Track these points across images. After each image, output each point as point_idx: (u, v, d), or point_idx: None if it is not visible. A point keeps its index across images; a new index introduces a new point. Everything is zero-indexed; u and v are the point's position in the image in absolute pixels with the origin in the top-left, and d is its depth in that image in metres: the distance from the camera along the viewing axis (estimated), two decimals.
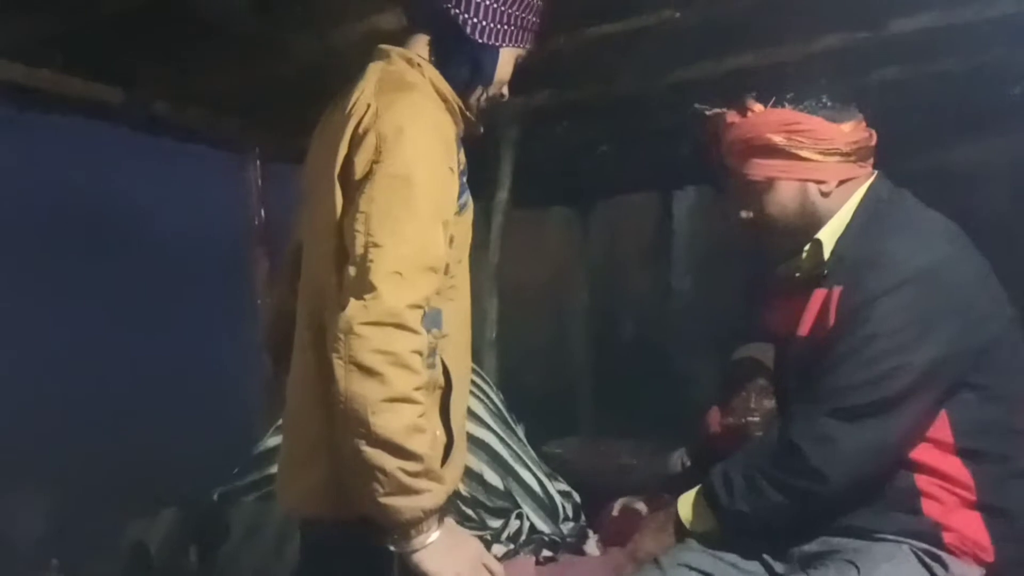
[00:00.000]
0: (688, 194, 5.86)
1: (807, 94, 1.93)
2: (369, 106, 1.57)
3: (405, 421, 1.43)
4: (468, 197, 1.70)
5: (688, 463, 3.05)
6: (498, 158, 4.07)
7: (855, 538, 1.83)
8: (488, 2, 1.71)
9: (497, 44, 1.74)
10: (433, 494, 1.46)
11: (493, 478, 2.50)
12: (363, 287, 1.44)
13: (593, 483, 3.07)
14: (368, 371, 1.41)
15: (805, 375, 1.88)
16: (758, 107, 1.95)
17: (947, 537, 1.77)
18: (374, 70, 1.68)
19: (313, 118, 1.81)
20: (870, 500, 1.82)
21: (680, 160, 3.99)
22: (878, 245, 1.84)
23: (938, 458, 1.81)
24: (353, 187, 1.53)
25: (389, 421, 1.41)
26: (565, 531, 2.55)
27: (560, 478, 2.72)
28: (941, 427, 1.82)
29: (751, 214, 1.97)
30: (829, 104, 1.92)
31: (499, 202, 4.04)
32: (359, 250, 1.47)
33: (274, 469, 2.54)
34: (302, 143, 1.85)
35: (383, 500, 1.43)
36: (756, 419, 2.72)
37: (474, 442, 2.46)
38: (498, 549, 2.43)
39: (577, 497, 2.72)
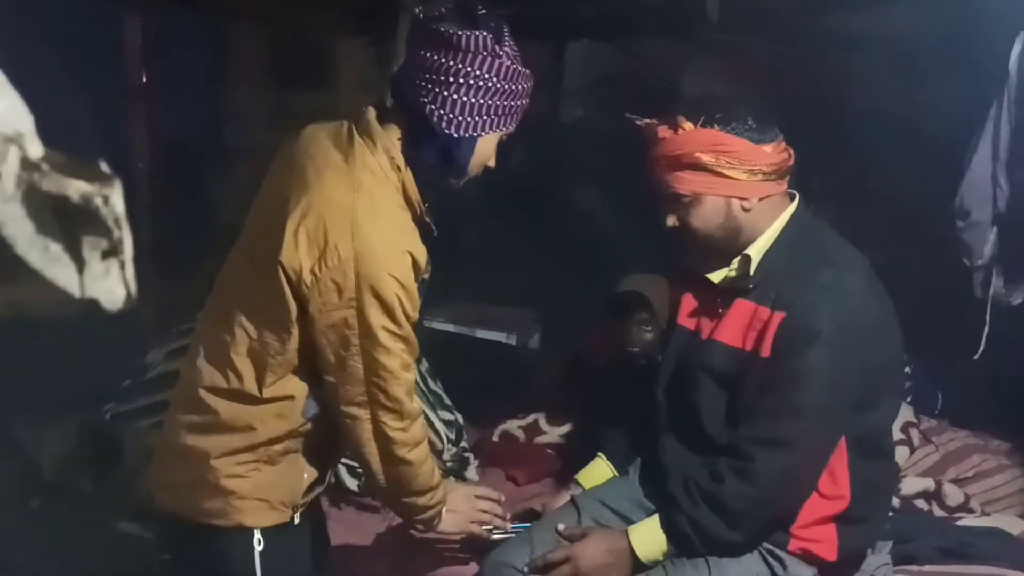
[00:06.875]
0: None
1: (734, 115, 1.98)
2: (339, 248, 1.61)
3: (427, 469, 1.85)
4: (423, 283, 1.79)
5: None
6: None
7: None
8: (465, 98, 1.65)
9: (475, 135, 1.70)
10: (439, 498, 1.90)
11: None
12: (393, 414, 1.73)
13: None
14: (401, 460, 1.78)
15: (736, 386, 2.02)
16: (688, 125, 1.99)
17: (792, 544, 2.03)
18: (357, 174, 1.66)
19: None
20: None
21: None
22: (809, 282, 1.95)
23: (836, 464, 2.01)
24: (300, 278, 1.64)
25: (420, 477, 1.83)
26: (447, 458, 2.71)
27: (447, 405, 2.85)
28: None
29: (677, 222, 2.04)
30: (754, 126, 1.98)
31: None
32: (366, 376, 1.70)
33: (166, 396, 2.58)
34: None
35: (418, 517, 1.92)
36: (636, 350, 2.89)
37: None
38: None
39: (461, 420, 2.86)
